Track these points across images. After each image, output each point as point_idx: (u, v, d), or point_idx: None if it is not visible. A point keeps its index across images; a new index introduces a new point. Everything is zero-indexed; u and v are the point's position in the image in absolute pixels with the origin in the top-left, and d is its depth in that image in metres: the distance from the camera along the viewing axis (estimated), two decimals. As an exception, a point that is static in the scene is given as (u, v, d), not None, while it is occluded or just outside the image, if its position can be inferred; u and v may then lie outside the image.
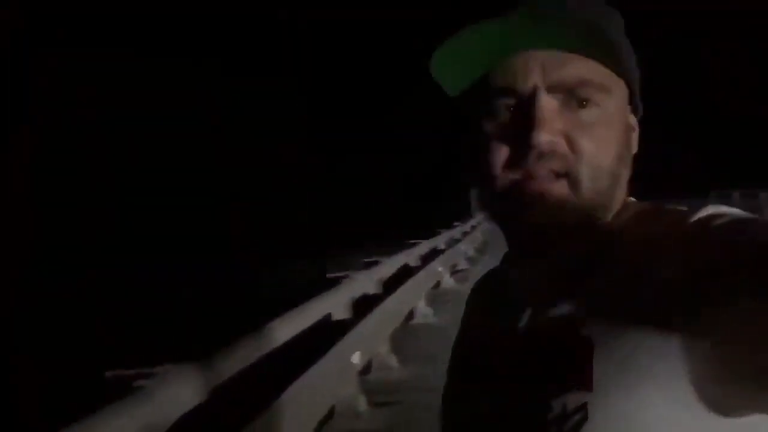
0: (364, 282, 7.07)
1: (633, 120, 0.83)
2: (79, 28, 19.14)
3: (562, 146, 0.77)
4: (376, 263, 8.68)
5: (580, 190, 0.77)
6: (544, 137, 0.76)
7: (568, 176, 0.77)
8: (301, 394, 3.97)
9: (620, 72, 0.80)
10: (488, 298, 0.94)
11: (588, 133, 0.77)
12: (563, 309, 0.79)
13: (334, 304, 5.87)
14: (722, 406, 0.70)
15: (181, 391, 2.82)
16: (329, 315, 5.66)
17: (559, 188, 0.77)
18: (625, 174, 0.82)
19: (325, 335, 5.01)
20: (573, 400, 0.73)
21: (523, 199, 0.78)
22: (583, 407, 0.72)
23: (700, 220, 0.74)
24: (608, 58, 0.78)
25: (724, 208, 0.76)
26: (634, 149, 0.84)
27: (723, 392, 0.69)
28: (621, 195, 0.83)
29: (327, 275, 6.76)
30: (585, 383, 0.73)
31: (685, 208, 0.79)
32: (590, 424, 0.72)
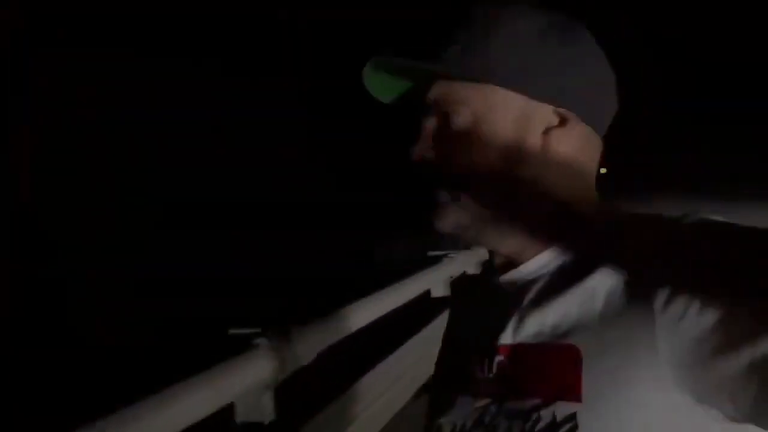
0: (464, 261, 7.43)
1: (543, 123, 0.84)
2: (79, 28, 19.12)
3: (442, 165, 0.83)
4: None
5: (462, 204, 0.82)
6: (415, 150, 0.84)
7: (451, 191, 0.83)
8: (399, 365, 4.60)
9: (503, 85, 0.83)
10: (473, 306, 0.94)
11: (460, 153, 0.83)
12: (550, 318, 0.79)
13: (434, 280, 6.33)
14: (711, 413, 0.70)
15: (296, 348, 3.27)
16: (428, 291, 6.10)
17: (445, 202, 0.84)
18: (531, 174, 0.83)
19: (424, 310, 5.46)
20: (562, 410, 0.73)
21: (432, 209, 0.85)
22: (572, 417, 0.72)
23: (686, 228, 0.75)
24: (473, 78, 0.83)
25: (708, 216, 0.76)
26: (553, 153, 0.84)
27: (710, 400, 0.69)
28: (574, 206, 0.84)
29: (428, 253, 6.95)
30: (574, 393, 0.73)
31: (671, 215, 0.80)
32: None
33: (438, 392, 0.92)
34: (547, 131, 0.84)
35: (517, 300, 0.84)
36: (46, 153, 17.91)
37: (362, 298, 4.50)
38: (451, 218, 0.83)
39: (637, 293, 0.73)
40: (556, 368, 0.75)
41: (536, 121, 0.84)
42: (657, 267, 0.73)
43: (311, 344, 3.48)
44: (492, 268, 0.90)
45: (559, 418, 0.73)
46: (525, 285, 0.84)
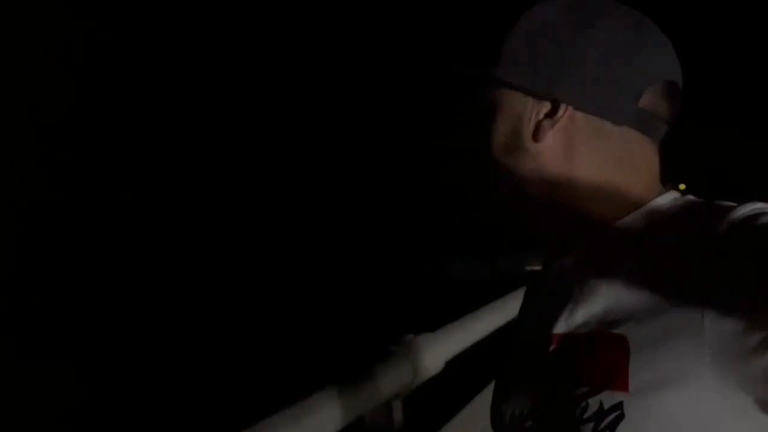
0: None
1: (533, 116, 0.87)
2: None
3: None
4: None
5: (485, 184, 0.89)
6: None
7: (489, 182, 0.89)
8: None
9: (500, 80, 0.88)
10: (533, 297, 0.98)
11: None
12: (600, 308, 0.81)
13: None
14: (755, 405, 0.70)
15: (426, 357, 3.22)
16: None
17: (487, 193, 0.90)
18: (525, 156, 0.87)
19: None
20: (609, 398, 0.75)
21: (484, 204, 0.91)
22: (618, 406, 0.74)
23: (740, 218, 0.74)
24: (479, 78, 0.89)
25: (763, 207, 0.75)
26: (534, 138, 0.87)
27: (756, 392, 0.70)
28: (630, 192, 0.85)
29: (501, 271, 7.24)
30: (621, 383, 0.75)
31: (725, 203, 0.79)
32: (626, 423, 0.74)
33: (501, 380, 0.95)
34: (540, 124, 0.87)
35: (570, 290, 0.86)
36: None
37: (486, 305, 4.43)
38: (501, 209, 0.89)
39: (687, 283, 0.74)
40: (605, 358, 0.77)
41: (531, 115, 0.87)
42: (708, 257, 0.73)
43: (440, 352, 3.40)
44: (547, 259, 0.93)
45: (605, 406, 0.75)
46: (576, 274, 0.86)
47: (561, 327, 0.84)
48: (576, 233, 0.87)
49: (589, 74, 0.85)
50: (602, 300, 0.81)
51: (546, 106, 0.86)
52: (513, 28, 0.89)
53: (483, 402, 3.90)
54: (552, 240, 0.90)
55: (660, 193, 0.87)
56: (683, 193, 0.88)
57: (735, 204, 0.78)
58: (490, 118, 0.88)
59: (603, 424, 0.75)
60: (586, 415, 0.76)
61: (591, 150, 0.86)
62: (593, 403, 0.76)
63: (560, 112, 0.86)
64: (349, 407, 2.56)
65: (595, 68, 0.85)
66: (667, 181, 0.91)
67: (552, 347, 0.84)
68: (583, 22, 0.86)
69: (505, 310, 4.57)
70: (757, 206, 0.76)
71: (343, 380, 2.64)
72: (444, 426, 3.54)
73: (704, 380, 0.71)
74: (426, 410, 3.43)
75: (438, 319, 3.87)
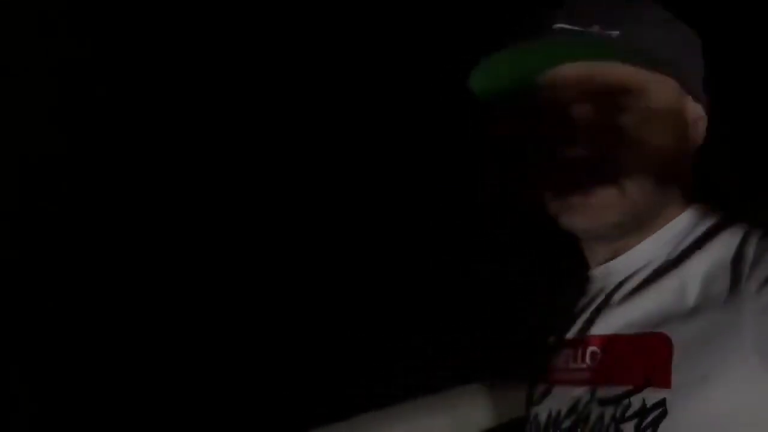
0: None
1: (693, 112, 0.86)
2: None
3: (602, 154, 0.81)
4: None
5: (625, 194, 0.82)
6: (582, 148, 0.80)
7: (613, 182, 0.82)
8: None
9: (663, 70, 0.82)
10: (568, 299, 0.99)
11: (627, 138, 0.81)
12: (643, 309, 0.83)
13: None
14: None
15: (516, 394, 3.03)
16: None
17: (604, 195, 0.82)
18: (679, 171, 0.85)
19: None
20: (652, 396, 0.77)
21: (570, 207, 0.84)
22: (661, 404, 0.76)
23: None
24: (645, 60, 0.80)
25: None
26: (696, 141, 0.86)
27: None
28: (681, 193, 0.86)
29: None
30: (664, 380, 0.77)
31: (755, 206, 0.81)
32: (669, 421, 0.75)
33: (535, 382, 0.97)
34: (691, 116, 0.86)
35: (611, 291, 0.88)
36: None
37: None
38: (602, 199, 0.82)
39: (729, 280, 0.76)
40: (647, 356, 0.79)
41: (693, 114, 0.87)
42: (750, 254, 0.75)
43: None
44: (584, 260, 0.94)
45: (648, 404, 0.76)
46: (620, 276, 0.87)
47: (602, 328, 0.87)
48: (643, 233, 0.86)
49: (697, 64, 0.90)
50: (646, 301, 0.83)
51: (696, 107, 0.90)
52: (654, 8, 0.88)
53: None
54: (624, 242, 0.88)
55: (690, 206, 0.89)
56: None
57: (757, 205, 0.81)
58: (644, 110, 0.88)
59: (646, 422, 0.75)
60: (628, 414, 0.77)
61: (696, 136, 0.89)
62: (636, 402, 0.78)
63: (703, 115, 0.90)
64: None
65: (702, 76, 0.90)
66: None
67: (592, 348, 0.86)
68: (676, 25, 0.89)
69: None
70: None
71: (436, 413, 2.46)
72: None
73: (745, 376, 0.73)
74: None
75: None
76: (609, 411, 0.81)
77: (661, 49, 0.83)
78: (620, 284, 0.87)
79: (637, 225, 0.86)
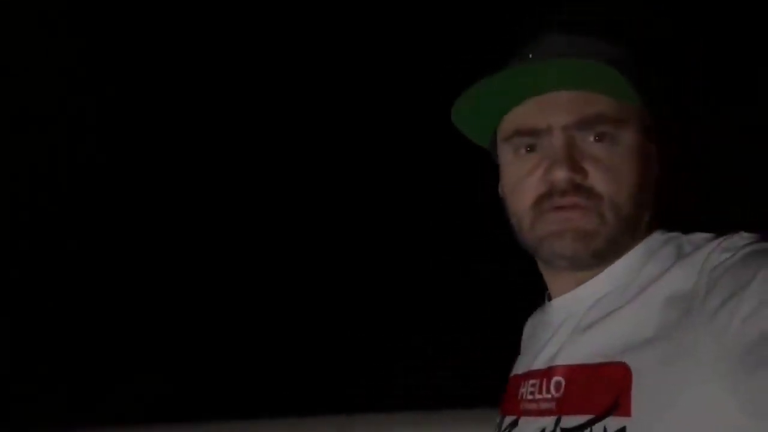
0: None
1: (653, 146, 0.86)
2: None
3: (584, 180, 0.82)
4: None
5: (605, 221, 0.82)
6: (565, 174, 0.81)
7: (593, 209, 0.82)
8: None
9: (637, 104, 0.83)
10: (536, 327, 0.98)
11: (606, 167, 0.82)
12: (603, 339, 0.82)
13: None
14: (753, 421, 0.70)
15: None
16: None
17: (586, 220, 0.82)
18: (648, 200, 0.86)
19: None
20: (612, 425, 0.77)
21: (552, 231, 0.83)
22: (622, 431, 0.75)
23: (741, 241, 0.77)
24: (622, 94, 0.83)
25: (749, 235, 0.78)
26: (660, 171, 0.87)
27: (754, 408, 0.70)
28: (646, 222, 0.86)
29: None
30: (624, 409, 0.76)
31: (711, 235, 0.82)
32: None
33: (504, 413, 0.96)
34: (656, 147, 0.87)
35: (574, 320, 0.87)
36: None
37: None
38: (584, 224, 0.84)
39: (686, 307, 0.76)
40: (608, 385, 0.79)
41: (655, 139, 0.87)
42: (705, 281, 0.75)
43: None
44: (548, 294, 0.95)
45: (609, 431, 0.76)
46: (583, 305, 0.87)
47: (564, 359, 0.87)
48: (596, 264, 0.87)
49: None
50: (606, 330, 0.83)
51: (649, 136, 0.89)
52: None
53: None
54: (592, 269, 0.88)
55: (650, 231, 0.88)
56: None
57: (717, 235, 0.81)
58: (624, 142, 0.88)
59: None
60: None
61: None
62: (597, 430, 0.78)
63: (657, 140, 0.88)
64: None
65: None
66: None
67: (556, 379, 0.86)
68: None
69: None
70: (740, 236, 0.78)
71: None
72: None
73: (705, 400, 0.72)
74: None
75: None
76: None
77: (641, 84, 0.85)
78: (583, 314, 0.87)
79: (614, 253, 0.85)
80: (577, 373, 0.84)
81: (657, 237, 0.87)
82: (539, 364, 0.90)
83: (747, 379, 0.69)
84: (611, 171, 0.83)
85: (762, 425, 0.70)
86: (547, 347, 0.90)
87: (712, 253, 0.78)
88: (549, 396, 0.87)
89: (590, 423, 0.79)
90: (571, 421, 0.82)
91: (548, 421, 0.85)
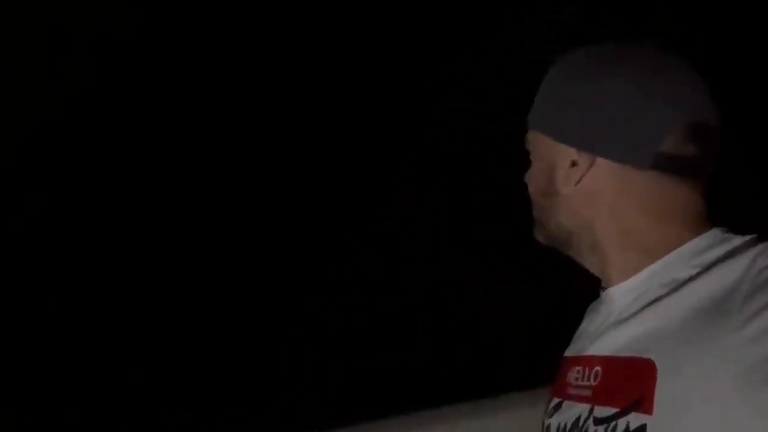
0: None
1: (563, 162, 0.92)
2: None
3: (531, 191, 0.99)
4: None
5: (542, 222, 0.97)
6: (528, 185, 0.99)
7: (536, 212, 0.98)
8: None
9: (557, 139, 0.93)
10: (590, 314, 1.02)
11: (535, 182, 0.97)
12: (635, 333, 0.85)
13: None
14: None
15: None
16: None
17: (536, 217, 0.99)
18: (558, 201, 0.94)
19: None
20: (635, 421, 0.78)
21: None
22: (642, 429, 0.77)
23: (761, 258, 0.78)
24: (549, 133, 0.95)
25: None
26: (564, 184, 0.93)
27: None
28: (697, 219, 0.89)
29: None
30: (647, 406, 0.77)
31: (754, 239, 0.83)
32: None
33: (553, 395, 1.00)
34: (568, 170, 0.92)
35: (616, 312, 0.90)
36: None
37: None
38: (541, 231, 0.98)
39: (722, 311, 0.76)
40: (634, 381, 0.80)
41: (562, 161, 0.92)
42: (745, 287, 0.76)
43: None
44: (600, 283, 0.97)
45: (631, 428, 0.78)
46: (627, 298, 0.89)
47: (603, 349, 0.89)
48: (615, 273, 0.92)
49: (609, 123, 0.88)
50: (638, 325, 0.85)
51: (572, 153, 0.90)
52: (548, 72, 0.95)
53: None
54: (591, 268, 0.96)
55: (700, 233, 0.88)
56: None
57: (759, 243, 0.82)
58: (534, 161, 0.97)
59: None
60: None
61: (617, 195, 0.90)
62: (621, 424, 0.80)
63: (584, 160, 0.90)
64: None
65: (614, 117, 0.88)
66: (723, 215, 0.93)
67: (596, 368, 0.89)
68: (602, 71, 0.89)
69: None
70: None
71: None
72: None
73: (728, 407, 0.73)
74: None
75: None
76: (599, 430, 0.83)
77: (540, 113, 0.97)
78: (624, 306, 0.89)
79: (568, 244, 0.96)
80: (611, 365, 0.87)
81: (709, 235, 0.87)
82: (585, 351, 0.93)
83: (764, 390, 0.70)
84: (535, 183, 1.00)
85: None
86: (593, 336, 0.93)
87: (758, 257, 0.78)
88: (588, 384, 0.89)
89: (616, 417, 0.81)
90: (602, 411, 0.84)
91: (584, 408, 0.88)
